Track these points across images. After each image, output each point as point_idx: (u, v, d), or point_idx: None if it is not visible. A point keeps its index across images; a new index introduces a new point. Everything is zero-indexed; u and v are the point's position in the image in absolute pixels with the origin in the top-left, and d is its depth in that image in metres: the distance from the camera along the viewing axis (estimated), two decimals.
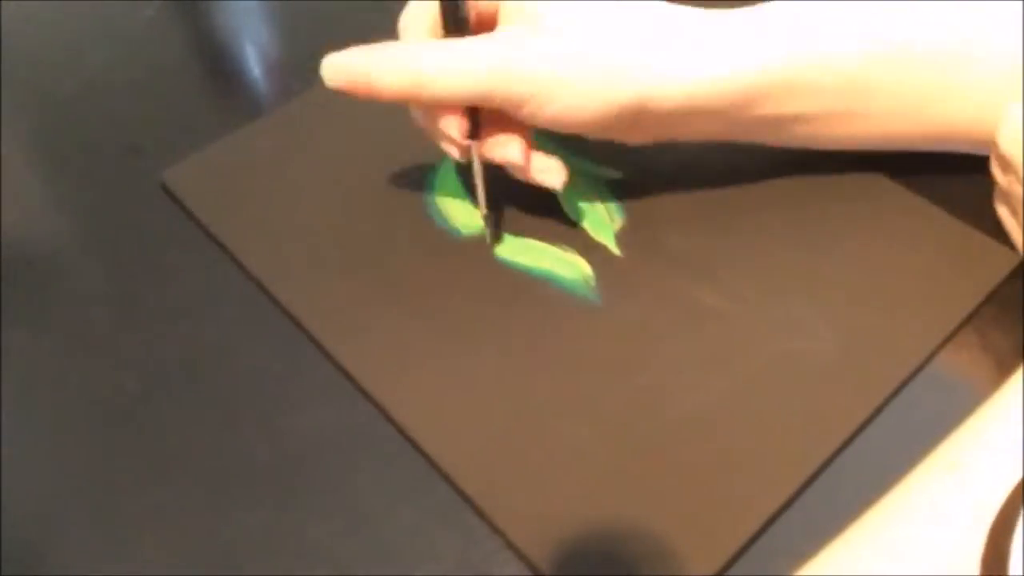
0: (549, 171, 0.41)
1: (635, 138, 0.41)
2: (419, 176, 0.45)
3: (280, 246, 0.43)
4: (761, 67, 0.38)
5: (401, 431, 0.37)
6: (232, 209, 0.45)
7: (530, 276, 0.41)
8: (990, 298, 0.40)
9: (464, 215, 0.44)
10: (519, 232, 0.43)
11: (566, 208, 0.44)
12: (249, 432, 0.38)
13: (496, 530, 0.35)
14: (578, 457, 0.36)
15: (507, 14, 0.39)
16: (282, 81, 0.53)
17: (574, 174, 0.41)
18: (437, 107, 0.39)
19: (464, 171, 0.45)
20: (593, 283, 0.41)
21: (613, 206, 0.44)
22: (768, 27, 0.39)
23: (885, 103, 0.40)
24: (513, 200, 0.44)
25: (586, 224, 0.43)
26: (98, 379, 0.40)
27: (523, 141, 0.40)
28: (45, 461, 0.38)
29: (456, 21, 0.38)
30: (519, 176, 0.41)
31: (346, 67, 0.38)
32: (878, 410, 0.37)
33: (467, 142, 0.40)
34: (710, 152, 0.46)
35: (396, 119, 0.48)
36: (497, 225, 0.43)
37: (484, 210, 0.42)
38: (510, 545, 0.34)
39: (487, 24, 0.40)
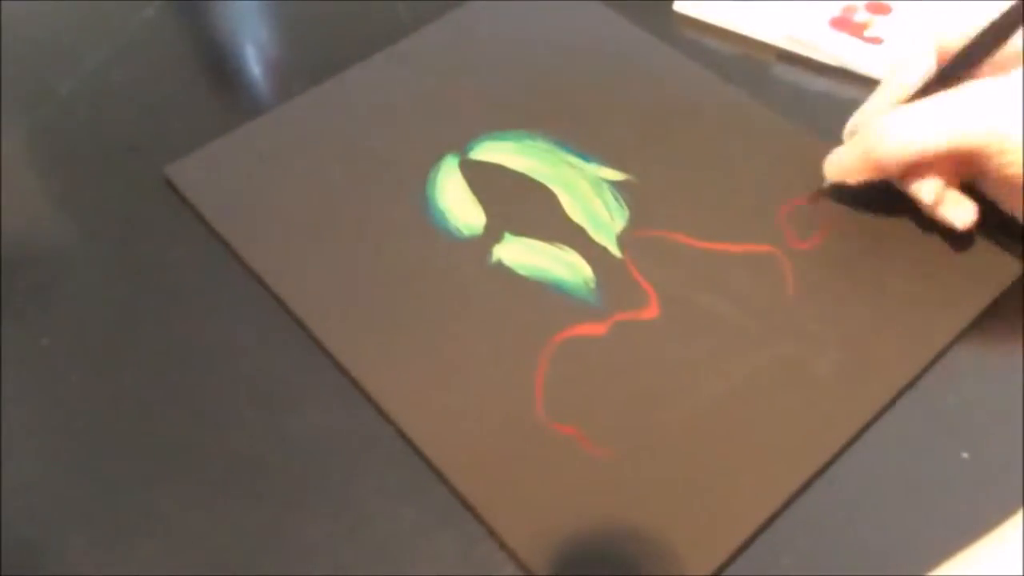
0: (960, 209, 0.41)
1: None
2: (420, 176, 0.45)
3: (281, 244, 0.43)
4: None
5: (401, 432, 0.37)
6: (234, 205, 0.45)
7: (530, 277, 0.41)
8: (994, 305, 0.40)
9: (464, 216, 0.44)
10: (519, 232, 0.43)
11: (567, 209, 0.44)
12: (249, 432, 0.38)
13: (492, 532, 0.35)
14: (576, 459, 0.36)
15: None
16: (282, 81, 0.53)
17: (576, 174, 0.40)
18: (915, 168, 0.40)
19: (465, 170, 0.45)
20: (593, 285, 0.41)
21: (614, 207, 0.44)
22: None
23: None
24: (513, 200, 0.44)
25: (587, 225, 0.43)
26: (98, 378, 0.40)
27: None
28: (45, 461, 0.38)
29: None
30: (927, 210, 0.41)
31: (840, 163, 0.42)
32: (878, 415, 0.37)
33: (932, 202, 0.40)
34: (711, 152, 0.46)
35: (397, 120, 0.48)
36: None
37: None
38: (504, 547, 0.34)
39: None
